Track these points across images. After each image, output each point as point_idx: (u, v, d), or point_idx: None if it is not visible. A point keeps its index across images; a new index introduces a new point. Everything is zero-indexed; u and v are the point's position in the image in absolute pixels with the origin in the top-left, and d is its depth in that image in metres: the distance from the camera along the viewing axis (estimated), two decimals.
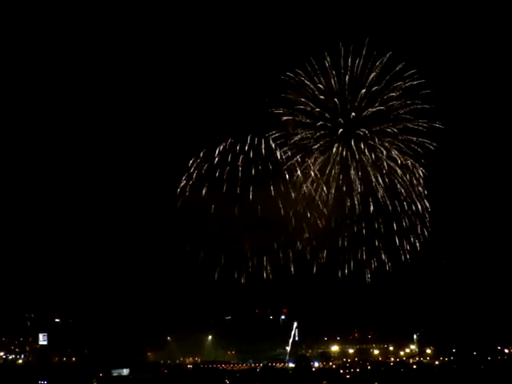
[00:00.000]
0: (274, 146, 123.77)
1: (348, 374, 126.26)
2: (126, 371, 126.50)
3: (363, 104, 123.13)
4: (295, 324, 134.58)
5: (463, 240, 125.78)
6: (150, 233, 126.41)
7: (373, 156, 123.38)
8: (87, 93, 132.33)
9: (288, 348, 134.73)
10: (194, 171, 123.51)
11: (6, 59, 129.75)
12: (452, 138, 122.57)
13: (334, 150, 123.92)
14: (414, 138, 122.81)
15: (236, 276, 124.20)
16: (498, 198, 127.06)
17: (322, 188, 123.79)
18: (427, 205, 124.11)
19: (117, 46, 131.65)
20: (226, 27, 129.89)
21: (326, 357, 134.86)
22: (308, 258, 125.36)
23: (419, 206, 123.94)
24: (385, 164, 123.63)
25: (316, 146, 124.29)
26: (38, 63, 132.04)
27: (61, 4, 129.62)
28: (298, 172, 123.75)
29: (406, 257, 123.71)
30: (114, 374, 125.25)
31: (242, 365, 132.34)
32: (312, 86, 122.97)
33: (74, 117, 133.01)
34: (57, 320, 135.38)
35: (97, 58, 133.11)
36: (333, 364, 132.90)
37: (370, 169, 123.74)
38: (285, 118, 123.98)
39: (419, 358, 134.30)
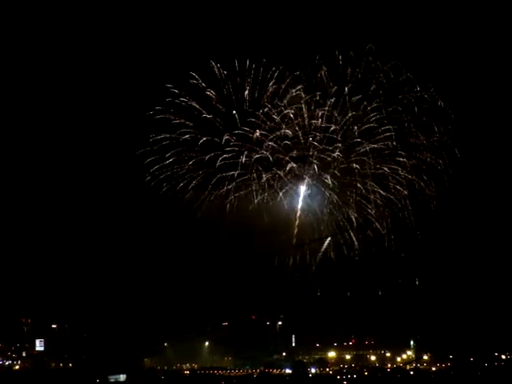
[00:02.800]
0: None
1: (345, 379, 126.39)
2: (122, 377, 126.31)
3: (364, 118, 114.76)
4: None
5: (459, 246, 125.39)
6: (146, 237, 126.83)
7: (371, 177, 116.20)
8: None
9: (285, 354, 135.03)
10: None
11: None
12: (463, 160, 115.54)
13: (330, 170, 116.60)
14: (418, 155, 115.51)
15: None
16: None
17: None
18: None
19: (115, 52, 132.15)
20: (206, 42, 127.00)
21: (322, 363, 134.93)
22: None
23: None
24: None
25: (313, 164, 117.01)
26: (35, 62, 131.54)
27: None
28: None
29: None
30: (111, 380, 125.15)
31: (239, 371, 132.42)
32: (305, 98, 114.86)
33: (78, 120, 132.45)
34: (53, 326, 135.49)
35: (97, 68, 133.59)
36: (330, 370, 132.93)
37: (369, 187, 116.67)
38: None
39: (416, 364, 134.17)
